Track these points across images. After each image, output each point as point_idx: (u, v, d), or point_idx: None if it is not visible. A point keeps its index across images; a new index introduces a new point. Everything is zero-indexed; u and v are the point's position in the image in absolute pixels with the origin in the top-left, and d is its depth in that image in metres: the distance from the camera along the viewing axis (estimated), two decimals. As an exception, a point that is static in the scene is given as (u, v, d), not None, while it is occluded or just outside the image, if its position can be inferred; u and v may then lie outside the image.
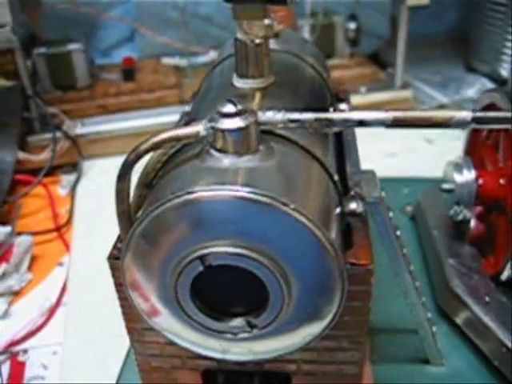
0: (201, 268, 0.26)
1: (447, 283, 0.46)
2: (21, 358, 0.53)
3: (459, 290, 0.45)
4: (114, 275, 0.31)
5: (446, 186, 0.47)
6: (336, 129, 0.28)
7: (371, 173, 0.36)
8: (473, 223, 0.48)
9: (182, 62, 1.00)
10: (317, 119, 0.28)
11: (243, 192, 0.25)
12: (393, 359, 0.44)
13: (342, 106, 0.45)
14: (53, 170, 0.81)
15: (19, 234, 0.66)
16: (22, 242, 0.63)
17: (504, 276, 0.43)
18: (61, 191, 0.79)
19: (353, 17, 0.94)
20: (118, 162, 0.28)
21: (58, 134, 0.79)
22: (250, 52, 0.34)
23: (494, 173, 0.46)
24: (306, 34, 0.88)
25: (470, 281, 0.45)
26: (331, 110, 0.43)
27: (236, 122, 0.26)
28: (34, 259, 0.65)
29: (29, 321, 0.56)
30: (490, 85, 0.97)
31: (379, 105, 0.88)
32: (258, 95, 0.35)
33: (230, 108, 0.26)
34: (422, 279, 0.51)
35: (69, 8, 0.92)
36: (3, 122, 0.75)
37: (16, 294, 0.59)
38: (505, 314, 0.42)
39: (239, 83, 0.35)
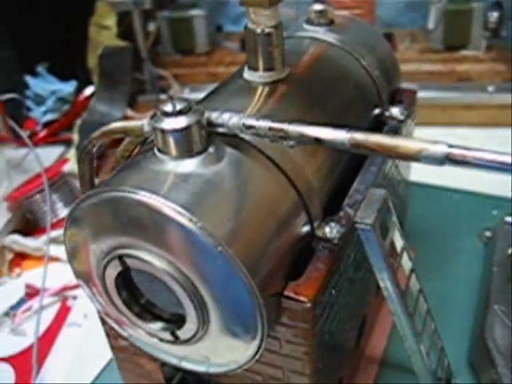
0: (119, 268, 0.25)
1: (482, 333, 0.39)
2: (69, 303, 0.57)
3: (492, 345, 0.38)
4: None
5: (510, 218, 0.40)
6: (292, 143, 0.25)
7: (379, 193, 0.31)
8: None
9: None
10: (271, 129, 0.24)
11: (152, 200, 0.23)
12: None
13: (394, 110, 0.40)
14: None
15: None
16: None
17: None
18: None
19: (497, 3, 0.82)
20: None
21: (163, 97, 0.82)
22: (259, 42, 0.31)
23: None
24: (432, 20, 0.80)
25: (509, 336, 0.38)
26: (376, 112, 0.39)
27: (173, 123, 0.24)
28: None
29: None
30: None
31: (507, 108, 0.77)
32: (262, 90, 0.32)
33: (169, 107, 0.24)
34: (465, 321, 0.44)
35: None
36: (114, 79, 0.80)
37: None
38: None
39: (248, 75, 0.33)
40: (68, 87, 0.79)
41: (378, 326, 0.43)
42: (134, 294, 0.27)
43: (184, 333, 0.26)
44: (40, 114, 0.78)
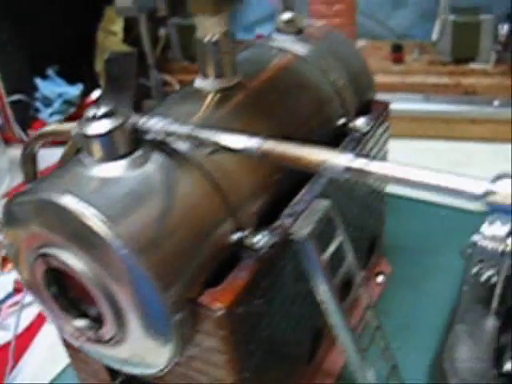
0: (44, 266, 0.26)
1: (441, 353, 0.38)
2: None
3: (448, 366, 0.37)
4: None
5: (475, 237, 0.39)
6: (209, 150, 0.25)
7: (323, 205, 0.31)
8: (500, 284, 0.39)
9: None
10: (189, 136, 0.25)
11: (70, 203, 0.24)
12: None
13: (359, 121, 0.39)
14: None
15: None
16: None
17: (506, 367, 0.35)
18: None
19: (509, 17, 0.80)
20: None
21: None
22: (208, 49, 0.32)
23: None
24: (437, 31, 0.78)
25: (467, 358, 0.37)
26: (340, 122, 0.38)
27: (96, 127, 0.25)
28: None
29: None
30: None
31: (510, 123, 0.75)
32: (210, 97, 0.32)
33: (92, 111, 0.25)
34: (432, 340, 0.43)
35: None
36: (120, 84, 0.81)
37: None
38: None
39: (198, 82, 0.33)
40: (74, 90, 0.81)
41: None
42: (63, 289, 0.27)
43: (105, 333, 0.26)
44: (47, 116, 0.80)
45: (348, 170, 0.21)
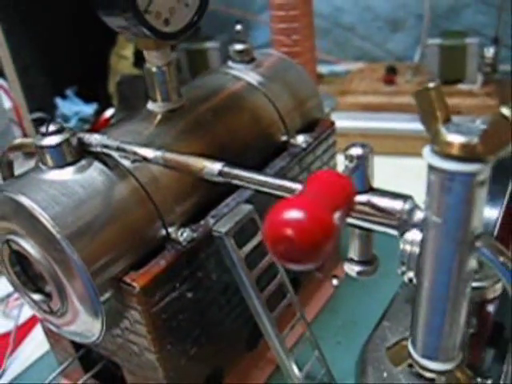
0: (8, 250, 0.33)
1: (365, 345, 0.43)
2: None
3: (369, 355, 0.42)
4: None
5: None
6: (131, 159, 0.31)
7: (244, 209, 0.37)
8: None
9: (321, 69, 1.03)
10: (118, 148, 0.31)
11: (22, 199, 0.30)
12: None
13: (299, 138, 0.45)
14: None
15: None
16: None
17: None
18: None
19: (495, 40, 0.84)
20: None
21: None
22: (155, 78, 0.38)
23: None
24: (417, 55, 0.83)
25: (387, 349, 0.42)
26: (282, 139, 0.44)
27: (49, 140, 0.32)
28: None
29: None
30: None
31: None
32: (157, 118, 0.39)
33: (44, 128, 0.32)
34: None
35: (220, 9, 1.02)
36: (131, 104, 0.89)
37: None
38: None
39: (149, 105, 0.40)
40: (89, 109, 0.90)
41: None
42: (24, 270, 0.34)
43: (53, 306, 0.33)
44: (64, 132, 0.89)
45: (220, 174, 0.27)
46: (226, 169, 0.27)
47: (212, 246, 0.36)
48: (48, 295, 0.34)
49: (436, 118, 0.19)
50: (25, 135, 0.85)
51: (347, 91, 0.90)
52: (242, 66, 0.46)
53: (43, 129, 0.32)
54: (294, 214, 0.16)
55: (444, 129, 0.19)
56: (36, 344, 0.58)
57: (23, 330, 0.60)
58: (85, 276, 0.30)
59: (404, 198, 0.22)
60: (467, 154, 0.18)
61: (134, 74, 0.90)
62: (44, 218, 0.30)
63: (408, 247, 0.42)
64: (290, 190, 0.25)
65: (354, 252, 0.27)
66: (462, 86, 0.86)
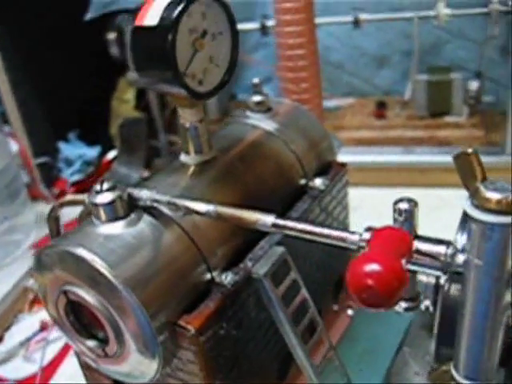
0: (65, 300, 0.35)
1: (389, 373, 0.46)
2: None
3: (394, 380, 0.45)
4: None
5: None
6: (182, 212, 0.34)
7: (278, 250, 0.40)
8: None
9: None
10: (169, 202, 0.34)
11: (83, 253, 0.33)
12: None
13: (317, 181, 0.48)
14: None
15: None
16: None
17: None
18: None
19: (477, 74, 0.90)
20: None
21: (174, 160, 0.94)
22: (188, 132, 0.42)
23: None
24: (409, 90, 0.88)
25: (409, 375, 0.45)
26: (301, 183, 0.48)
27: (103, 198, 0.35)
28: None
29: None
30: None
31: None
32: (191, 170, 0.42)
33: (98, 186, 0.35)
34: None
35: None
36: (132, 146, 0.92)
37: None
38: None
39: (182, 158, 0.43)
40: (92, 152, 0.92)
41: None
42: (78, 318, 0.37)
43: (109, 350, 0.35)
44: (68, 175, 0.92)
45: (274, 226, 0.30)
46: (279, 221, 0.30)
47: (251, 287, 0.39)
48: (102, 341, 0.36)
49: (475, 177, 0.22)
50: (33, 179, 0.87)
51: (341, 126, 0.95)
52: (259, 115, 0.50)
53: (98, 187, 0.35)
54: (374, 267, 0.20)
55: (482, 187, 0.22)
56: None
57: (47, 373, 0.62)
58: (143, 320, 0.33)
59: (446, 243, 0.25)
60: (504, 208, 0.22)
61: (134, 117, 0.93)
62: (104, 269, 0.33)
63: (424, 278, 0.46)
64: (340, 238, 0.28)
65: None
66: (448, 119, 0.92)
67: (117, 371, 0.38)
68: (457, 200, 0.84)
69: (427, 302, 0.46)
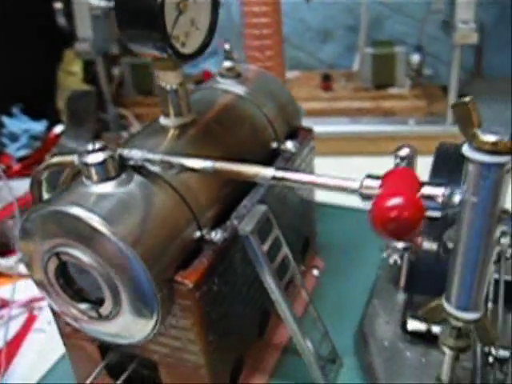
0: (57, 262, 0.35)
1: (362, 322, 0.49)
2: (35, 313, 0.66)
3: (367, 330, 0.48)
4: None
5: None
6: (176, 170, 0.35)
7: (261, 208, 0.41)
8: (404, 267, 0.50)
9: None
10: (162, 161, 0.35)
11: (79, 212, 0.33)
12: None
13: (288, 144, 0.50)
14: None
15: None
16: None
17: (409, 325, 0.46)
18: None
19: (418, 48, 0.94)
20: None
21: (125, 134, 0.93)
22: (168, 95, 0.42)
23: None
24: (358, 62, 0.92)
25: (381, 324, 0.48)
26: (273, 146, 0.49)
27: (94, 158, 0.34)
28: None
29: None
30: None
31: (424, 139, 0.88)
32: (171, 132, 0.42)
33: (90, 146, 0.34)
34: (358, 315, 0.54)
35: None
36: (81, 119, 0.90)
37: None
38: (396, 360, 0.44)
39: (162, 120, 0.43)
40: (39, 126, 0.89)
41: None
42: (68, 282, 0.36)
43: (104, 310, 0.36)
44: (14, 150, 0.88)
45: (273, 178, 0.31)
46: (279, 173, 0.31)
47: (237, 244, 0.40)
48: (95, 302, 0.36)
49: (472, 123, 0.25)
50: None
51: (291, 98, 0.97)
52: (230, 81, 0.50)
53: (90, 147, 0.35)
54: (395, 201, 0.21)
55: (479, 131, 0.25)
56: (29, 361, 0.59)
57: (12, 348, 0.60)
58: (144, 277, 0.33)
59: (444, 185, 0.28)
60: (499, 149, 0.24)
61: (83, 90, 0.90)
62: (103, 226, 0.33)
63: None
64: (340, 187, 0.30)
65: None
66: (392, 90, 0.96)
67: (107, 332, 0.38)
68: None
69: (395, 257, 0.49)
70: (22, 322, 0.65)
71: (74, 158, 0.36)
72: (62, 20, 0.81)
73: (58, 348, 0.49)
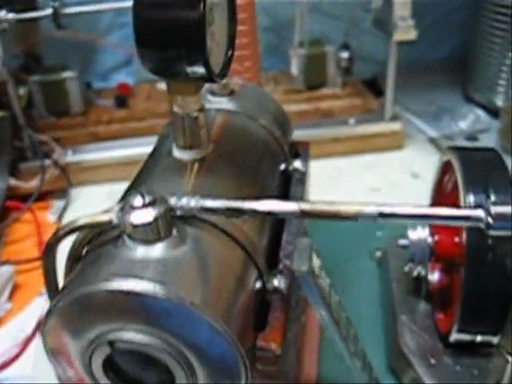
0: (108, 351, 0.28)
1: (396, 340, 0.46)
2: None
3: (406, 350, 0.45)
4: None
5: (402, 242, 0.48)
6: (247, 216, 0.29)
7: (306, 242, 0.37)
8: (430, 280, 0.48)
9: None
10: (228, 209, 0.29)
11: (146, 286, 0.26)
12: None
13: (297, 163, 0.46)
14: (45, 196, 0.83)
15: (3, 263, 0.68)
16: (3, 272, 0.65)
17: (452, 338, 0.43)
18: (50, 217, 0.81)
19: (346, 46, 0.94)
20: (107, 189, 0.29)
21: (48, 162, 0.81)
22: (186, 125, 0.35)
23: (449, 230, 0.46)
24: (295, 65, 0.89)
25: (418, 340, 0.45)
26: (282, 167, 0.44)
27: (144, 216, 0.27)
28: (16, 288, 0.66)
29: (2, 352, 0.57)
30: (484, 116, 0.97)
31: (366, 138, 0.88)
32: (193, 167, 0.36)
33: (138, 201, 0.27)
34: (378, 332, 0.51)
35: (68, 35, 0.94)
36: (-6, 151, 0.77)
37: (-6, 324, 0.61)
38: (448, 377, 0.42)
39: (178, 154, 0.36)
40: None
41: (305, 351, 0.49)
42: (119, 374, 0.29)
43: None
44: None
45: (380, 215, 0.27)
46: (386, 209, 0.27)
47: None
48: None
49: None
50: None
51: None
52: (224, 99, 0.45)
53: (136, 201, 0.28)
54: None
55: None
56: None
57: None
58: (233, 352, 0.27)
59: None
60: None
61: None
62: (189, 303, 0.26)
63: (416, 245, 0.46)
64: (463, 217, 0.26)
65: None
66: (325, 90, 0.95)
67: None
68: (350, 168, 0.87)
69: (419, 269, 0.47)
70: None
71: (112, 217, 0.28)
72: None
73: None
